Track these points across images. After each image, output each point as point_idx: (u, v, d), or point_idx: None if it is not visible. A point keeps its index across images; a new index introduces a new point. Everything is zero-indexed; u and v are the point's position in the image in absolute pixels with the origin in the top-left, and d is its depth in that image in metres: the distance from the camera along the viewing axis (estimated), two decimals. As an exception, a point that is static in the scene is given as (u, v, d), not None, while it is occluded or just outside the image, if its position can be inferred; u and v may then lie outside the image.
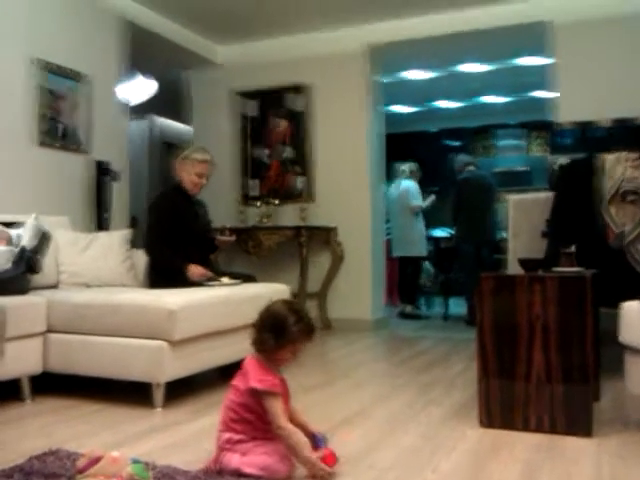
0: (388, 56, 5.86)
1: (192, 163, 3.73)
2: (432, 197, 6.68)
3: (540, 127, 8.72)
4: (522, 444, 2.23)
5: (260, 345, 1.92)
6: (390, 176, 6.58)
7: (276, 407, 1.87)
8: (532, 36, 5.28)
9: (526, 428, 2.36)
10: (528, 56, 6.13)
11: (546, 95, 7.18)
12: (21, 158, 3.98)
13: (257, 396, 1.89)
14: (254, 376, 1.90)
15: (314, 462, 1.86)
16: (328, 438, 2.02)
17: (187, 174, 3.74)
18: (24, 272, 3.00)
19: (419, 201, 6.52)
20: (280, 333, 1.89)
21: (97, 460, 1.72)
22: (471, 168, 6.18)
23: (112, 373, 2.90)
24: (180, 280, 3.48)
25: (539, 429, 2.34)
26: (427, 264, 7.13)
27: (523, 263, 2.68)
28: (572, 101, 4.88)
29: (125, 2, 4.90)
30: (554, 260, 2.82)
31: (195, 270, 3.53)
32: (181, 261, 3.57)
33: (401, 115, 8.72)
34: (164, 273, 3.63)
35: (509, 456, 2.10)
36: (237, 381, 1.96)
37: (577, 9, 4.89)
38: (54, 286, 3.44)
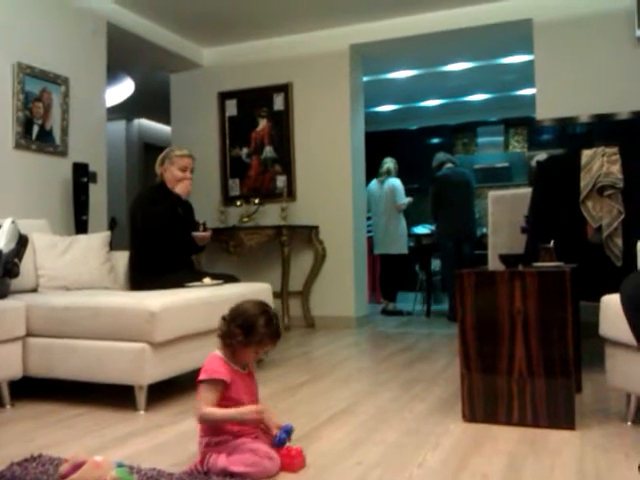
0: (370, 56, 5.90)
1: (172, 160, 3.74)
2: (409, 199, 6.68)
3: (519, 123, 8.79)
4: (505, 437, 2.24)
5: (228, 338, 1.94)
6: (370, 174, 6.58)
7: (206, 395, 1.89)
8: (513, 34, 5.35)
9: (509, 422, 2.38)
10: (509, 54, 6.18)
11: (527, 92, 7.27)
12: (-3, 161, 3.93)
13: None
14: (204, 369, 1.93)
15: (248, 412, 1.91)
16: (293, 428, 1.97)
17: (170, 173, 3.73)
18: (2, 276, 2.95)
19: (404, 199, 6.56)
20: (249, 331, 1.93)
21: (80, 465, 1.70)
22: (449, 165, 6.21)
23: (93, 376, 2.86)
24: (161, 282, 3.47)
25: (522, 423, 2.36)
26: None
27: (503, 259, 2.71)
28: (551, 98, 4.95)
29: (107, 5, 4.86)
30: (534, 255, 2.85)
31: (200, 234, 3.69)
32: (157, 264, 3.57)
33: (381, 113, 8.74)
34: (145, 274, 3.62)
35: (493, 449, 2.12)
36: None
37: (556, 7, 4.95)
38: (33, 290, 3.40)
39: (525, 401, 2.37)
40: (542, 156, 4.48)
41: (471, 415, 2.45)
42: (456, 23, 5.26)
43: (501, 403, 2.41)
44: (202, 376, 1.92)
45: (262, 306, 2.00)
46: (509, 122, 8.84)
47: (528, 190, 3.70)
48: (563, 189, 3.34)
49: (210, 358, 1.98)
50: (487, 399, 2.43)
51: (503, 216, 3.96)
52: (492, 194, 4.09)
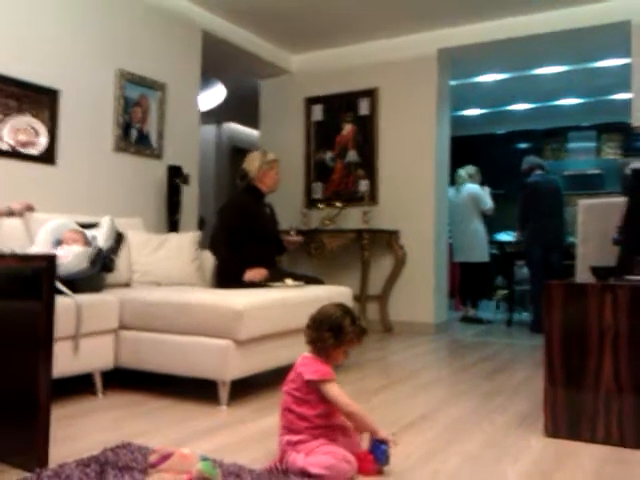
0: (458, 60, 5.83)
1: (271, 165, 3.95)
2: (486, 189, 6.57)
3: (612, 129, 8.43)
4: (590, 456, 2.17)
5: (319, 343, 2.02)
6: (454, 179, 6.51)
7: (335, 390, 1.97)
8: (609, 37, 5.15)
9: (593, 440, 2.30)
10: (604, 57, 5.96)
11: (622, 97, 6.97)
12: (98, 163, 4.16)
13: (315, 388, 1.96)
14: (309, 369, 1.98)
15: (378, 430, 2.00)
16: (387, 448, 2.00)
17: (270, 178, 3.95)
18: (99, 271, 3.13)
19: (489, 203, 6.45)
20: (338, 333, 2.01)
21: (168, 456, 1.77)
22: (539, 172, 6.04)
23: (179, 370, 2.98)
24: (244, 281, 3.57)
25: (607, 441, 2.28)
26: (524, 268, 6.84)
27: (595, 271, 2.62)
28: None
29: (201, 12, 5.05)
30: (627, 268, 2.73)
31: (251, 273, 3.61)
32: (238, 265, 3.65)
33: (468, 118, 8.60)
34: (230, 274, 3.72)
35: (577, 468, 2.06)
36: (290, 382, 2.02)
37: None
38: (127, 284, 3.58)
39: (611, 419, 2.28)
40: (637, 164, 4.28)
41: (553, 430, 2.39)
42: (549, 26, 5.10)
43: (585, 420, 2.33)
44: (314, 376, 1.96)
45: (343, 307, 2.10)
46: (602, 127, 8.49)
47: (622, 199, 3.54)
48: (660, 199, 3.18)
49: (311, 360, 2.03)
50: (571, 415, 2.36)
51: (594, 226, 3.81)
52: (583, 202, 3.94)
